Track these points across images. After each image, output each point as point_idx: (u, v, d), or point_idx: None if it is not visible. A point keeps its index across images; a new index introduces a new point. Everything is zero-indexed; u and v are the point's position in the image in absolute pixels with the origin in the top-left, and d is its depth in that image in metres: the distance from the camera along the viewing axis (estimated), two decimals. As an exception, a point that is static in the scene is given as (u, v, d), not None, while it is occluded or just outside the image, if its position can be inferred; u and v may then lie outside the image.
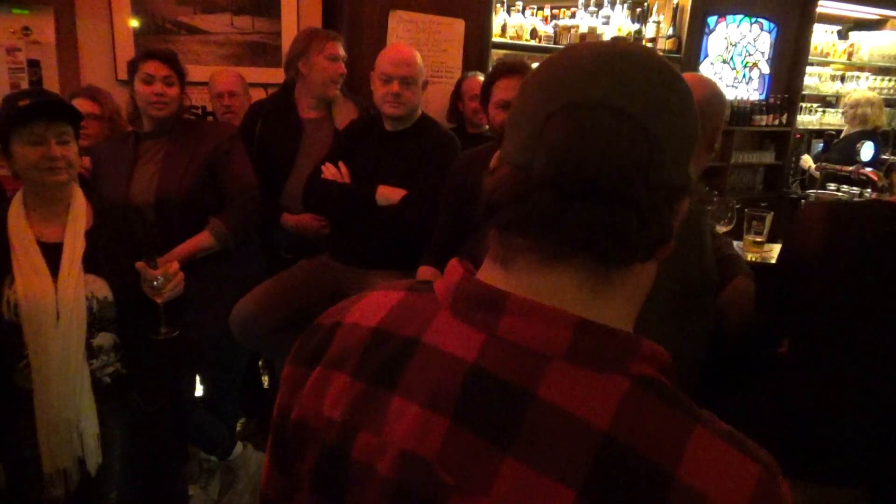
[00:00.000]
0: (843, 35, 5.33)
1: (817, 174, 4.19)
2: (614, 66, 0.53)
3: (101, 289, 1.69)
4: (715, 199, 1.52)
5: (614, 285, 0.55)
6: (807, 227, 1.49)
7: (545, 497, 0.48)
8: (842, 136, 4.60)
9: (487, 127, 2.56)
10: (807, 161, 4.71)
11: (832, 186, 3.87)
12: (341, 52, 2.58)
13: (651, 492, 0.46)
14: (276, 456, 0.67)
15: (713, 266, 1.58)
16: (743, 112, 4.52)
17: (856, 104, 4.52)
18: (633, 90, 0.52)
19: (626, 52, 0.55)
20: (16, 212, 1.67)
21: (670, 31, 4.14)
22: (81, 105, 2.36)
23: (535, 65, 2.70)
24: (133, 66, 2.24)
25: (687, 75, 1.74)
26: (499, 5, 3.73)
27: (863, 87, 5.30)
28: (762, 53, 4.56)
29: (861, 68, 5.43)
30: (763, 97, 4.63)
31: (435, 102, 3.18)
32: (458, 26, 3.36)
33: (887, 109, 5.47)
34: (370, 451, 0.56)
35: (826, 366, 1.46)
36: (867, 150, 4.21)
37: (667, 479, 0.47)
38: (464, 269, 0.59)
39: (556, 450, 0.49)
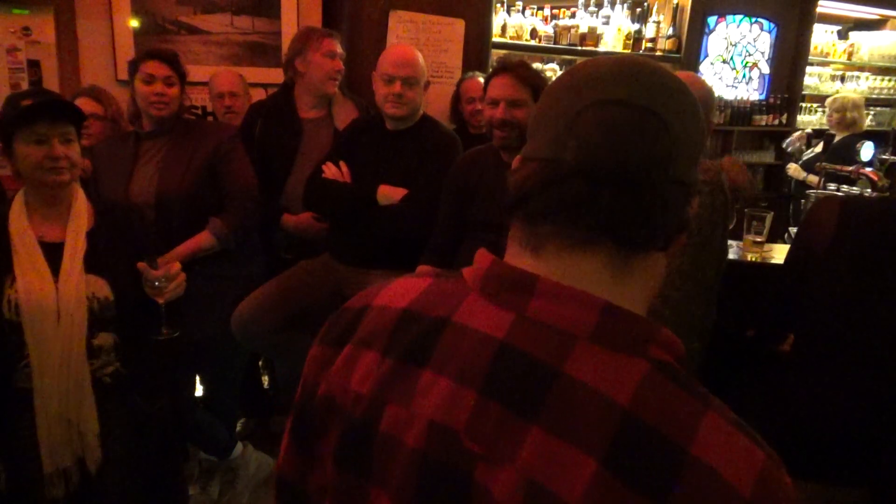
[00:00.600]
0: (843, 35, 5.33)
1: (814, 179, 4.16)
2: (634, 72, 0.59)
3: (102, 289, 1.69)
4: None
5: (633, 271, 0.59)
6: (818, 220, 1.50)
7: (569, 464, 0.50)
8: (836, 140, 4.54)
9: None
10: (797, 172, 4.45)
11: (832, 186, 3.86)
12: (338, 48, 2.59)
13: (667, 464, 0.49)
14: (297, 434, 0.69)
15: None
16: (743, 112, 4.52)
17: (843, 108, 4.42)
18: (655, 93, 0.58)
19: (642, 62, 0.61)
20: (17, 211, 1.67)
21: (670, 31, 4.14)
22: (84, 105, 2.37)
23: (536, 65, 2.69)
24: (134, 66, 2.24)
25: (681, 74, 1.76)
26: (499, 5, 3.73)
27: (863, 87, 5.30)
28: (762, 53, 4.56)
29: (861, 68, 5.43)
30: (763, 97, 4.63)
31: (434, 103, 3.17)
32: (458, 26, 3.36)
33: (887, 109, 5.47)
34: (398, 424, 0.58)
35: (827, 364, 1.46)
36: (867, 150, 4.20)
37: (681, 454, 0.50)
38: (493, 256, 0.62)
39: (580, 422, 0.52)
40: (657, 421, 0.51)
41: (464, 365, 0.57)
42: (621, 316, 0.55)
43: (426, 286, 0.65)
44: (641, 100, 0.56)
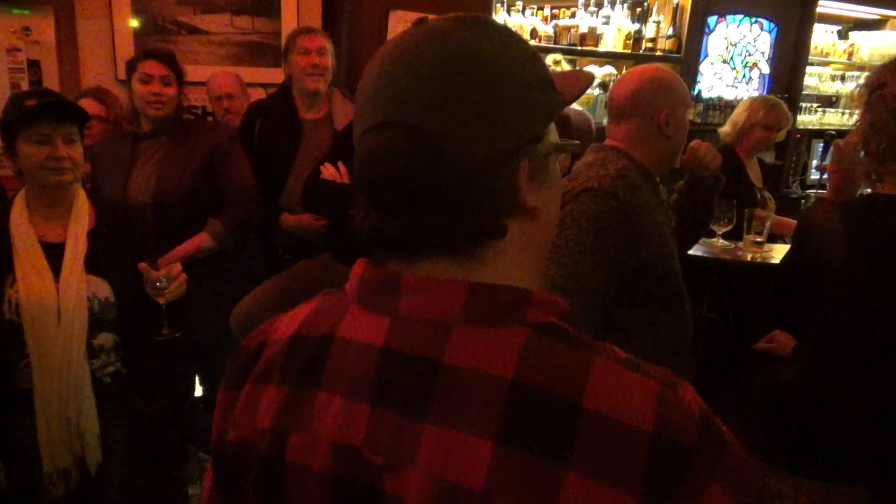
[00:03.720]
0: (843, 35, 5.32)
1: None
2: (395, 78, 0.56)
3: (103, 289, 1.69)
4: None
5: (486, 259, 0.57)
6: (820, 226, 1.49)
7: (467, 452, 0.50)
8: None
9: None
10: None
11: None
12: (314, 43, 2.53)
13: (563, 423, 0.49)
14: (219, 481, 0.67)
15: (663, 251, 1.53)
16: (743, 112, 4.51)
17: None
18: (409, 98, 0.54)
19: (408, 52, 0.56)
20: (18, 211, 1.67)
21: (670, 31, 4.14)
22: (88, 106, 2.37)
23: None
24: (131, 66, 2.24)
25: (647, 68, 1.71)
26: (499, 5, 3.73)
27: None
28: (762, 53, 4.55)
29: (861, 68, 5.42)
30: (763, 97, 4.63)
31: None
32: (458, 26, 3.35)
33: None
34: (302, 451, 0.58)
35: (833, 367, 1.46)
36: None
37: (575, 410, 0.50)
38: (366, 262, 0.62)
39: (469, 407, 0.52)
40: (545, 383, 0.51)
41: (352, 379, 0.57)
42: (488, 291, 0.55)
43: (313, 307, 0.65)
44: (396, 115, 0.54)
